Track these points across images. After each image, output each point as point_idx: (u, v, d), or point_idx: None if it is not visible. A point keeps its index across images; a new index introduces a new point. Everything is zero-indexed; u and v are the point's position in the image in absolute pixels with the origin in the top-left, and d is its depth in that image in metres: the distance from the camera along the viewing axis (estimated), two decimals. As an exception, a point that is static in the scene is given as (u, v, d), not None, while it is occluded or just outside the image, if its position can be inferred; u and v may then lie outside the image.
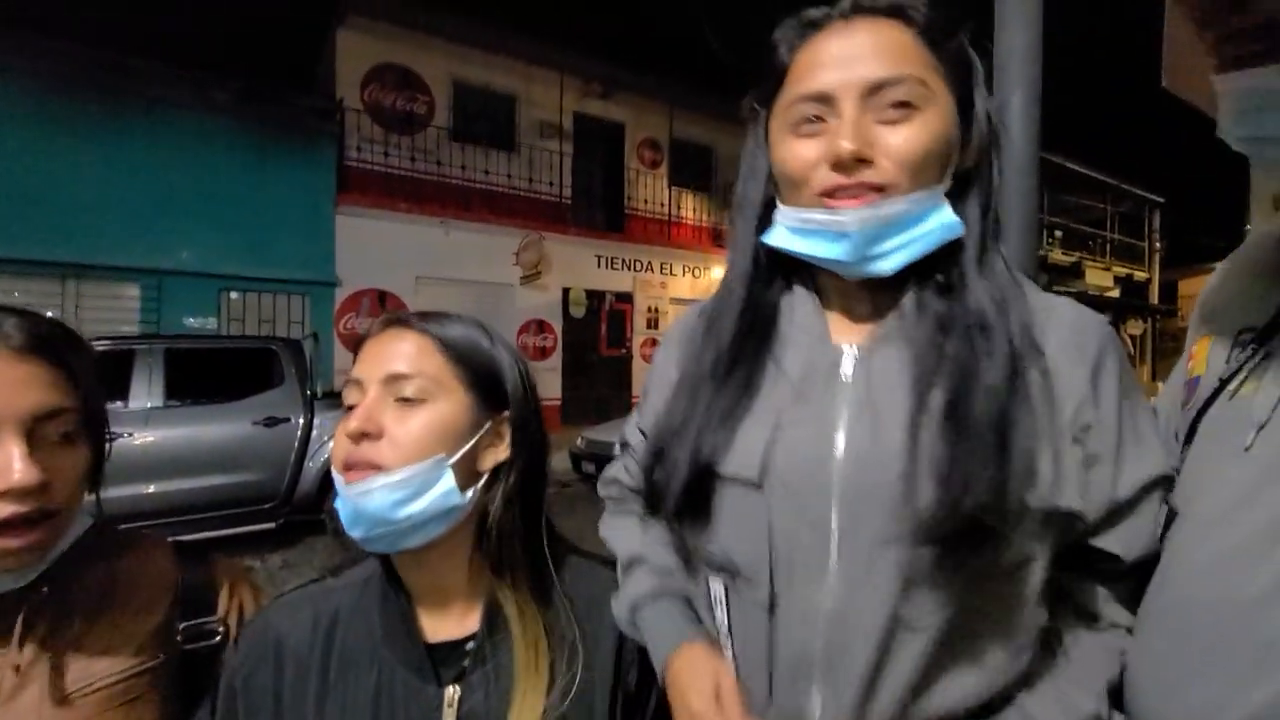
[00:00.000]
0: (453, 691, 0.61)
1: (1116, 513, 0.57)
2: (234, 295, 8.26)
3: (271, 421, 4.77)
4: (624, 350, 11.57)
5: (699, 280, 12.21)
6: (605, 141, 11.78)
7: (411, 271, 9.27)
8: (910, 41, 0.57)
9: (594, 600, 0.68)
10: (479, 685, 0.62)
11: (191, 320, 7.96)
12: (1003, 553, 0.52)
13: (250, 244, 8.18)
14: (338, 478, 0.61)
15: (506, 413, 0.67)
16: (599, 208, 11.79)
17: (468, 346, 0.65)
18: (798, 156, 0.59)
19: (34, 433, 0.62)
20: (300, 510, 4.86)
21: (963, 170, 0.60)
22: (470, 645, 0.64)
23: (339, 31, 9.28)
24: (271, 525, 4.77)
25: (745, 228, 0.66)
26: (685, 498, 0.60)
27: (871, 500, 0.54)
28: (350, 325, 8.79)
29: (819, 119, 0.58)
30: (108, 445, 0.72)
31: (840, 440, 0.56)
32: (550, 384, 10.31)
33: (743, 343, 0.63)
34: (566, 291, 10.71)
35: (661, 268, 11.90)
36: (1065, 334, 0.59)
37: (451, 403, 0.63)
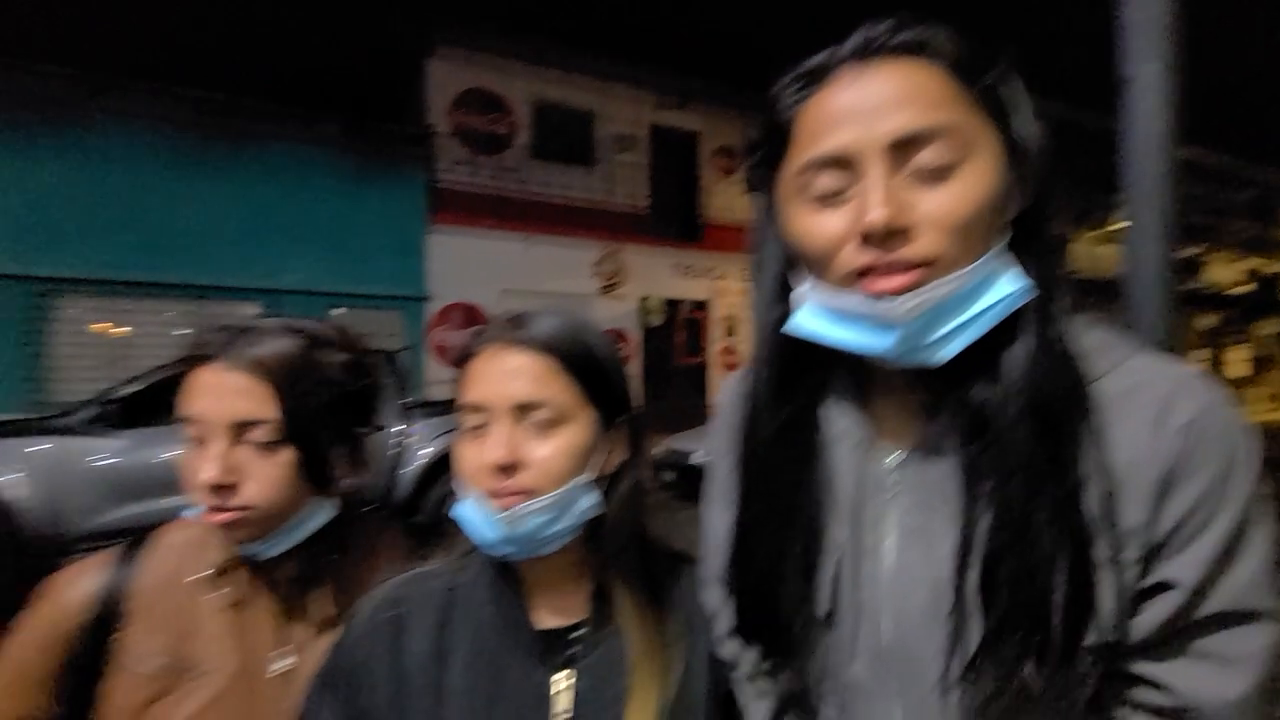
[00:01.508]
0: (560, 677, 0.64)
1: (1174, 638, 0.47)
2: (338, 311, 8.92)
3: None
4: (701, 358, 11.58)
5: (777, 286, 12.04)
6: (681, 151, 11.88)
7: (497, 285, 9.68)
8: (940, 81, 0.48)
9: (689, 597, 0.70)
10: (589, 672, 0.64)
11: (301, 335, 8.64)
12: (1056, 686, 0.47)
13: (351, 263, 8.81)
14: (476, 496, 0.63)
15: (624, 417, 0.69)
16: (675, 217, 11.89)
17: (586, 361, 0.66)
18: (819, 233, 0.50)
19: (237, 437, 0.73)
20: (396, 513, 5.16)
21: (1019, 214, 0.50)
22: (578, 633, 0.66)
23: (429, 62, 9.87)
24: (371, 526, 5.09)
25: (764, 312, 0.60)
26: (768, 648, 0.59)
27: (923, 636, 0.51)
28: (441, 338, 9.27)
29: (839, 188, 0.49)
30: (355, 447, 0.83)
31: (889, 565, 0.54)
32: (629, 393, 10.45)
33: (791, 472, 0.57)
34: (643, 301, 10.85)
35: (738, 274, 11.83)
36: (1143, 431, 0.47)
37: (582, 423, 0.64)
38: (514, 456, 0.61)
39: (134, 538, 0.82)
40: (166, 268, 7.95)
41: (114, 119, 7.91)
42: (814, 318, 0.52)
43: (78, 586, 0.77)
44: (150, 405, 4.77)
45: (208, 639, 0.76)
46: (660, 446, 6.55)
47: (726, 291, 11.76)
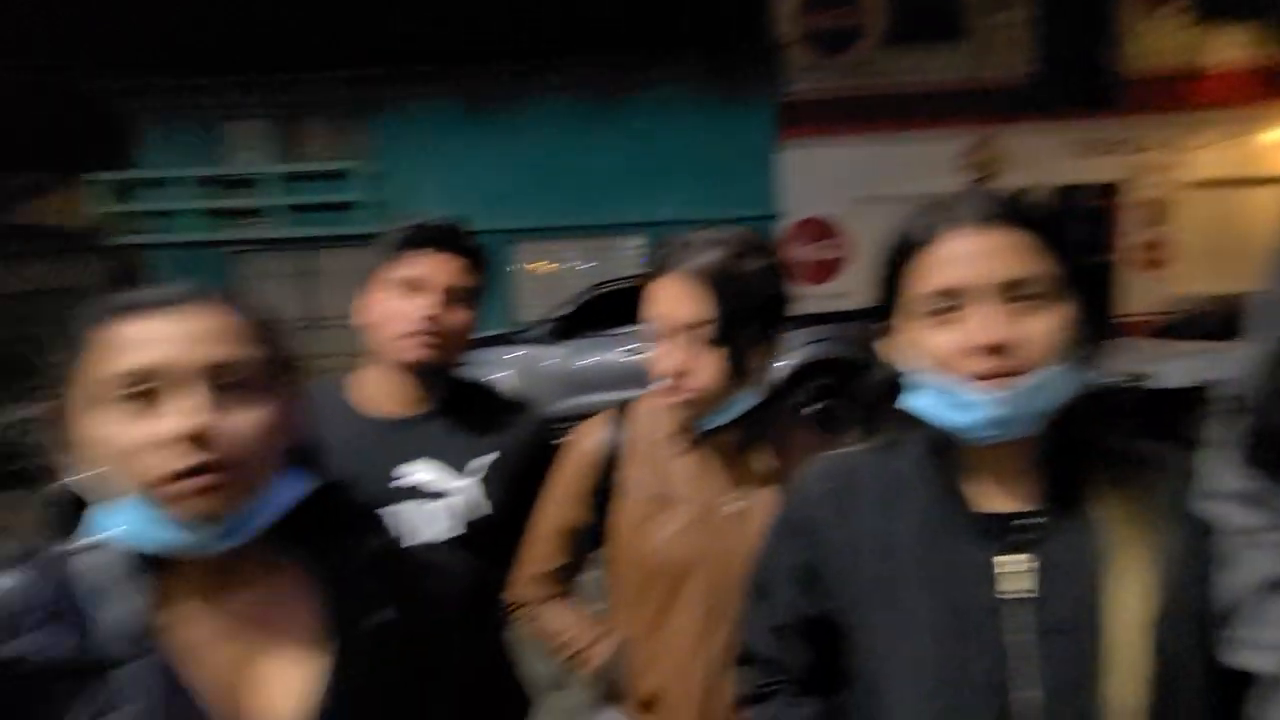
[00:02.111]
0: (1009, 559, 0.63)
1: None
2: (701, 237, 9.83)
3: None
4: (1108, 256, 9.36)
5: (1234, 151, 8.86)
6: (1086, -7, 9.34)
7: (849, 194, 9.35)
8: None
9: (1174, 495, 0.65)
10: (1053, 558, 0.63)
11: (673, 260, 9.82)
12: None
13: (713, 190, 9.54)
14: (953, 381, 0.62)
15: (1095, 297, 0.66)
16: (1073, 82, 9.54)
17: (1060, 237, 0.65)
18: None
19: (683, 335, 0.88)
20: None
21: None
22: (1031, 519, 0.65)
23: (774, -31, 9.68)
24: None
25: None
26: None
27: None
28: (794, 254, 9.45)
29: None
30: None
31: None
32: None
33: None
34: (1024, 193, 9.19)
35: (1171, 144, 9.04)
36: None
37: (1064, 302, 0.62)
38: (1006, 336, 0.59)
39: (620, 405, 1.05)
40: (579, 214, 9.82)
41: (539, 97, 9.98)
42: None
43: (591, 438, 1.02)
44: (579, 322, 6.12)
45: (677, 480, 0.95)
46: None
47: (1150, 168, 9.14)
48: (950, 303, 0.62)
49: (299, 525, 0.64)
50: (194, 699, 0.57)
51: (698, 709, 0.92)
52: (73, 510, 0.60)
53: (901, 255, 0.68)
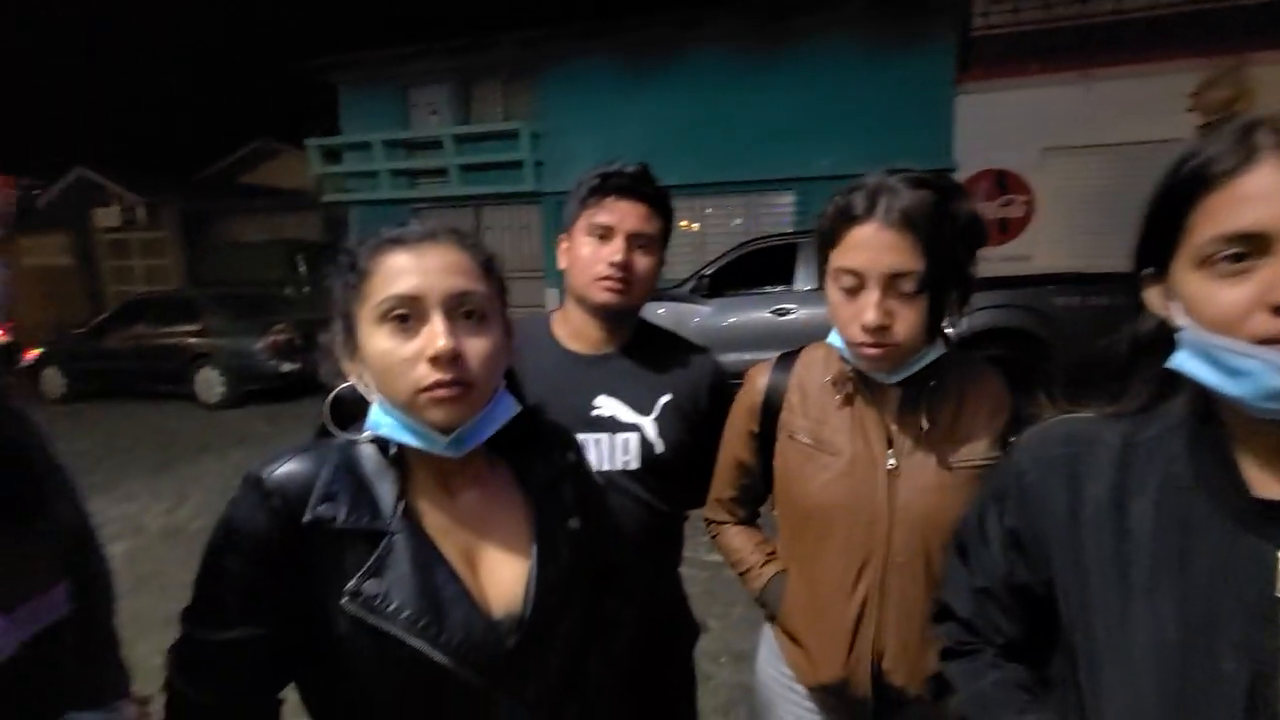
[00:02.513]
0: None
1: None
2: (860, 192, 9.26)
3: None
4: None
5: None
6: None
7: (1037, 143, 8.31)
8: None
9: None
10: None
11: (826, 218, 9.37)
12: None
13: (874, 143, 8.91)
14: (1232, 344, 0.52)
15: None
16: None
17: None
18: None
19: (889, 287, 0.85)
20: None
21: None
22: None
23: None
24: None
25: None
26: None
27: None
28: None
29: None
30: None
31: None
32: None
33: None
34: None
35: None
36: None
37: None
38: None
39: (786, 352, 1.08)
40: (728, 170, 9.67)
41: (697, 49, 9.83)
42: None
43: (756, 381, 1.07)
44: (727, 280, 6.14)
45: (835, 429, 0.97)
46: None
47: None
48: (1247, 248, 0.51)
49: (508, 438, 0.74)
50: (444, 568, 0.67)
51: (841, 652, 0.95)
52: (352, 409, 0.72)
53: (1189, 186, 0.55)
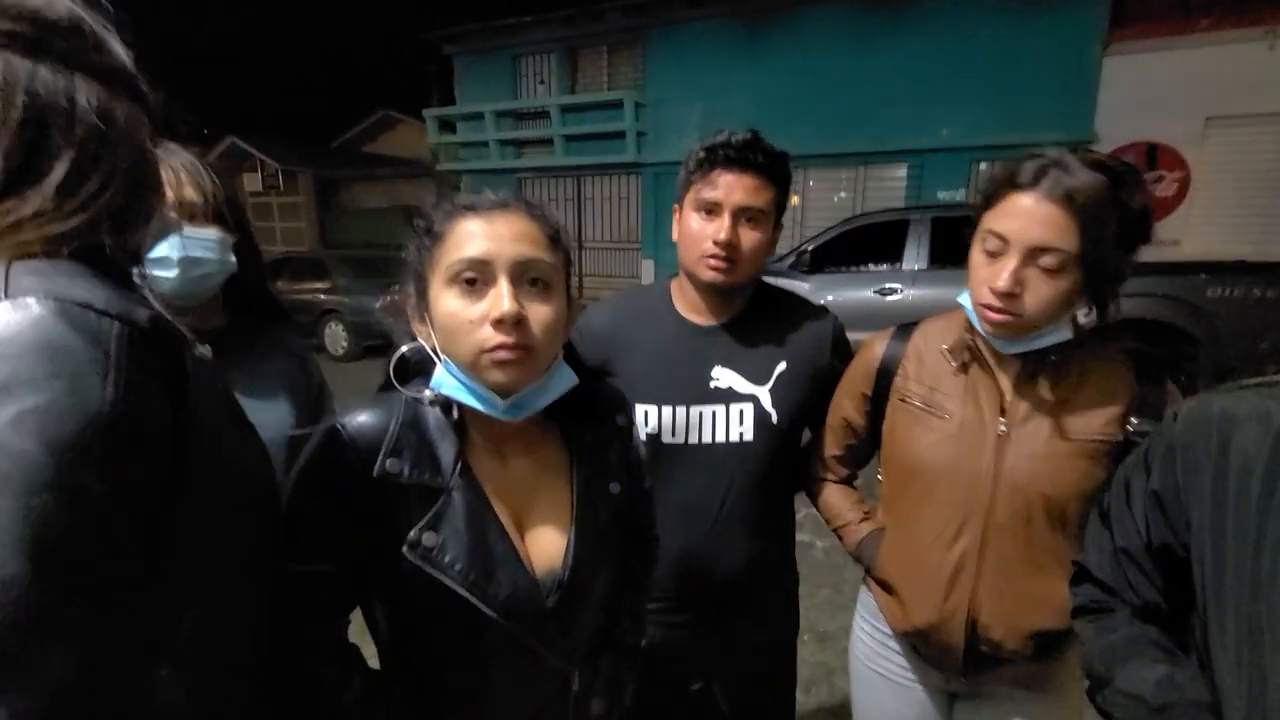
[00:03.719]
0: None
1: None
2: (983, 166, 8.60)
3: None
4: None
5: None
6: None
7: (1200, 112, 7.35)
8: None
9: None
10: None
11: (942, 193, 8.80)
12: None
13: (1002, 112, 8.22)
14: None
15: None
16: None
17: None
18: None
19: (1030, 258, 0.85)
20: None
21: None
22: None
23: None
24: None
25: None
26: None
27: None
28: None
29: None
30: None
31: None
32: None
33: None
34: None
35: None
36: None
37: None
38: None
39: (905, 323, 1.09)
40: (837, 140, 9.26)
41: (813, 10, 9.40)
42: None
43: (873, 348, 1.10)
44: (825, 257, 5.94)
45: (948, 394, 1.00)
46: None
47: None
48: None
49: (562, 404, 0.76)
50: (496, 527, 0.71)
51: (936, 599, 0.99)
52: (419, 367, 0.75)
53: None
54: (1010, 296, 0.87)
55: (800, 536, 1.32)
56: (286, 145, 16.45)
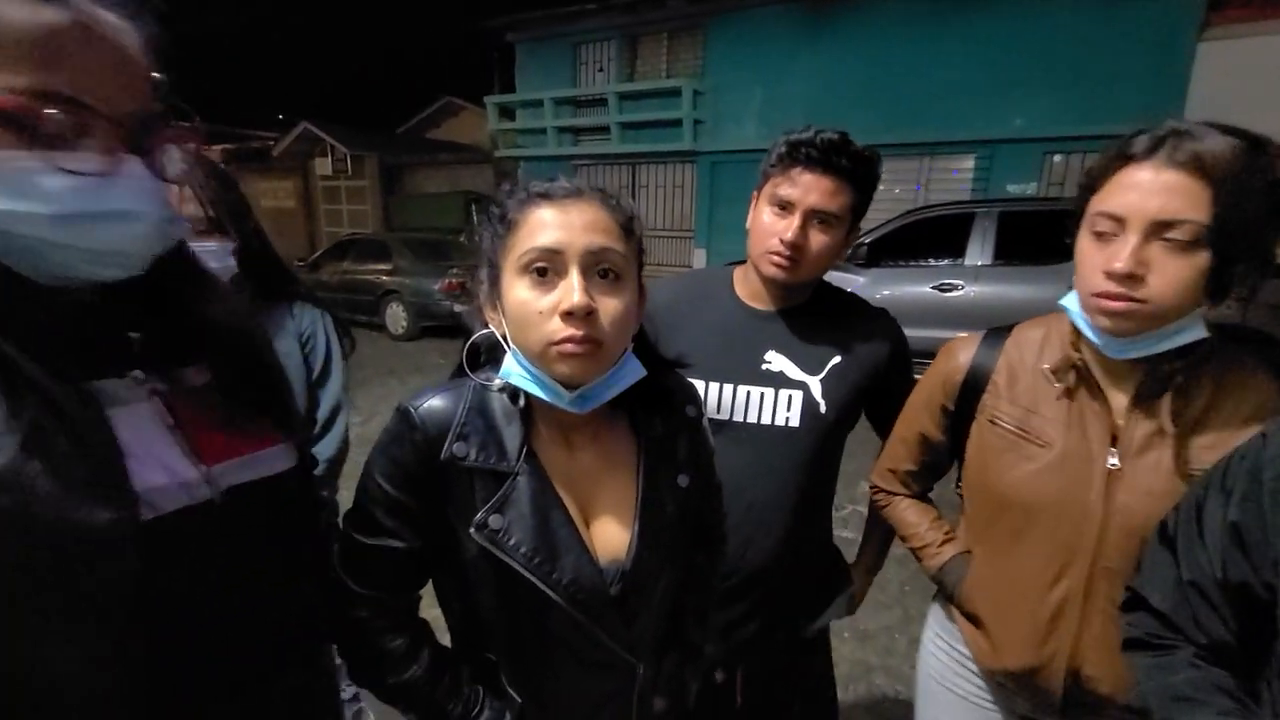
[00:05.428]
0: None
1: None
2: (1057, 158, 8.18)
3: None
4: None
5: None
6: None
7: (1307, 102, 6.78)
8: None
9: None
10: None
11: (1012, 186, 8.40)
12: None
13: (1080, 101, 7.78)
14: None
15: None
16: None
17: None
18: None
19: (1154, 234, 0.73)
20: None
21: None
22: None
23: None
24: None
25: None
26: None
27: None
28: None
29: None
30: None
31: None
32: None
33: None
34: None
35: None
36: None
37: None
38: None
39: (997, 327, 0.98)
40: (901, 130, 8.96)
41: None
42: None
43: (958, 356, 0.98)
44: (884, 250, 5.78)
45: (1047, 418, 0.87)
46: None
47: None
48: None
49: (631, 394, 0.75)
50: (561, 513, 0.71)
51: (1032, 644, 0.89)
52: (490, 354, 0.76)
53: None
54: (1132, 279, 0.73)
55: (845, 533, 1.31)
56: (355, 131, 17.01)
